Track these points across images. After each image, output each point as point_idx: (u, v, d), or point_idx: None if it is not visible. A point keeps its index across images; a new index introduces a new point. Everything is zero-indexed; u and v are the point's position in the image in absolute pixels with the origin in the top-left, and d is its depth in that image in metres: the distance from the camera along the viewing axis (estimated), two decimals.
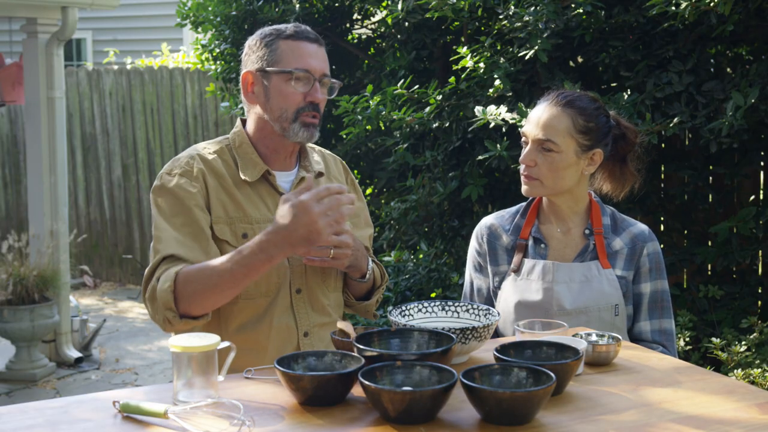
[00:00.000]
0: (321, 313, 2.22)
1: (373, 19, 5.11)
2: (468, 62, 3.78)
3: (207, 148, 2.23)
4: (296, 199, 1.90)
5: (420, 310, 2.02)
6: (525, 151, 2.31)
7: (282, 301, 2.17)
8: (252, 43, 2.20)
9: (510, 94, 3.79)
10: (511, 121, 3.57)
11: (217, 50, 5.20)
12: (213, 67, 5.35)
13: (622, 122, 2.40)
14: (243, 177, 2.17)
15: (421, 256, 4.38)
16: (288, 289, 2.18)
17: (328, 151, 2.42)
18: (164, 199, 2.14)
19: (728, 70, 3.88)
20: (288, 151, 2.23)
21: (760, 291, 3.98)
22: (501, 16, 3.81)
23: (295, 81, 2.13)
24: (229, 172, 2.18)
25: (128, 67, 8.73)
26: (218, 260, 2.00)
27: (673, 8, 3.33)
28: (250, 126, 2.23)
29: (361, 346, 1.69)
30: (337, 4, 4.97)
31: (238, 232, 2.14)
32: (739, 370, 3.16)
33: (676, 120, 3.45)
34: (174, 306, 1.99)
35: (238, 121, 2.27)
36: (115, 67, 8.75)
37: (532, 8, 3.63)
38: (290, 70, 2.12)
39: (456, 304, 2.03)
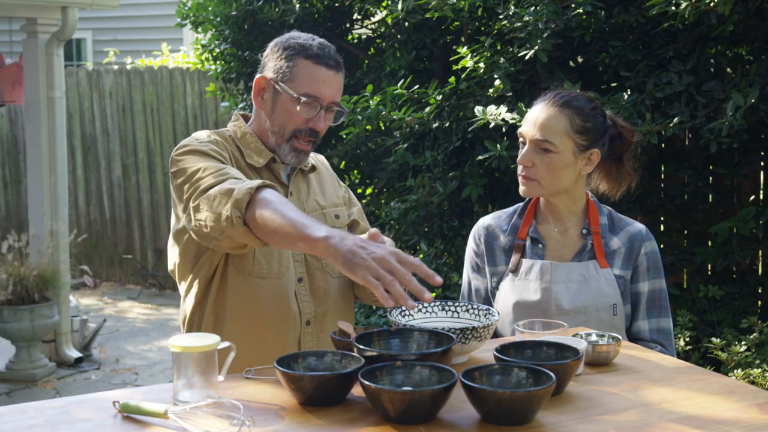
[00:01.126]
0: (323, 301, 2.23)
1: (373, 19, 5.11)
2: (468, 62, 3.78)
3: (211, 135, 2.22)
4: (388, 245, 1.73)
5: (420, 310, 2.02)
6: (522, 151, 2.31)
7: (286, 288, 2.18)
8: (275, 48, 2.19)
9: (510, 94, 3.79)
10: (511, 121, 3.57)
11: (217, 50, 5.20)
12: (213, 67, 5.35)
13: (619, 122, 2.40)
14: (249, 162, 2.19)
15: (421, 256, 4.37)
16: (292, 276, 2.19)
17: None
18: (193, 155, 2.07)
19: (728, 70, 3.88)
20: None
21: (760, 291, 3.97)
22: (501, 16, 3.81)
23: (302, 105, 2.14)
24: (235, 158, 2.20)
25: (128, 67, 8.73)
26: (295, 210, 1.85)
27: (673, 8, 3.33)
28: (254, 126, 2.25)
29: (361, 346, 1.69)
30: (337, 4, 4.97)
31: None
32: (739, 370, 3.16)
33: (676, 120, 3.45)
34: (244, 209, 1.87)
35: (238, 115, 2.28)
36: (115, 67, 8.75)
37: (532, 8, 3.63)
38: (298, 96, 2.12)
39: (456, 304, 2.03)
